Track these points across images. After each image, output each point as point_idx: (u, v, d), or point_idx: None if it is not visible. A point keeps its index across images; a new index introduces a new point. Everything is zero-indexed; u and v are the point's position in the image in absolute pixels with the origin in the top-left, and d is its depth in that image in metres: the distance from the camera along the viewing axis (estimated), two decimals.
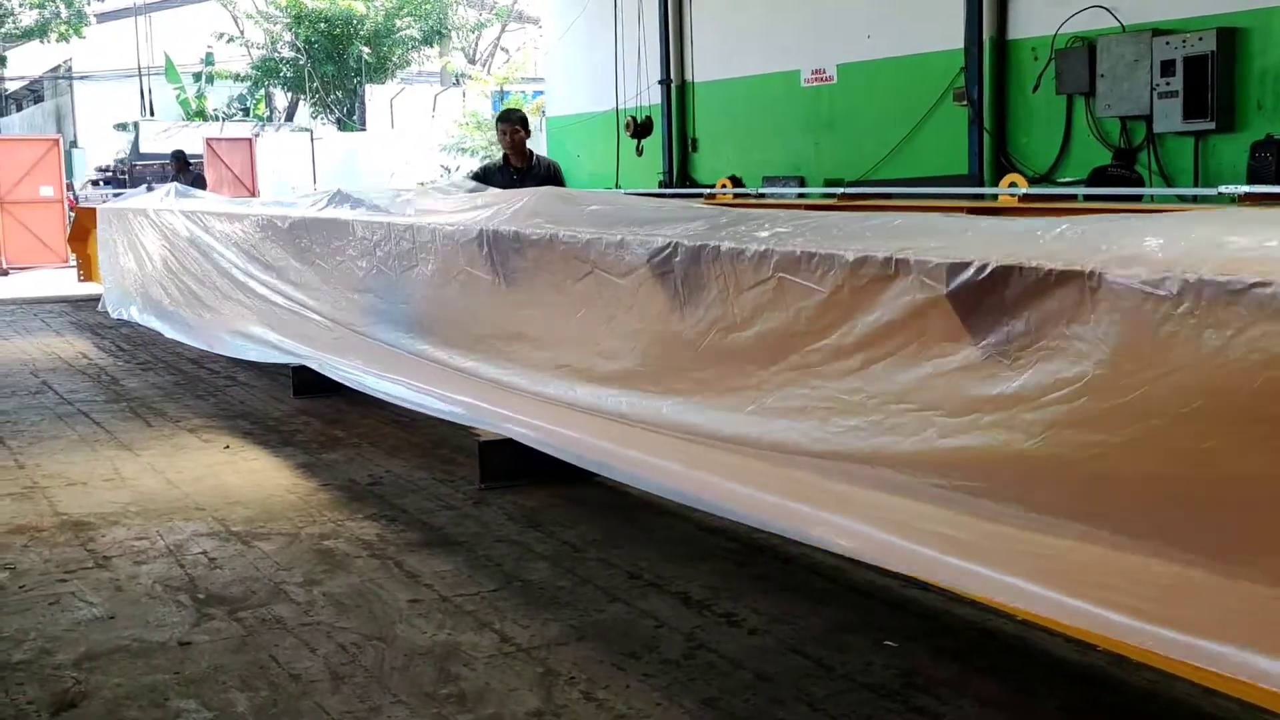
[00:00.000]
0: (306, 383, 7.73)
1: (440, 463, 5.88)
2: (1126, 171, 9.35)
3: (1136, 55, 10.10)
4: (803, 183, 13.98)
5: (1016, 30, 11.62)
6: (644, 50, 16.26)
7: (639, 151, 15.91)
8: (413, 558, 4.41)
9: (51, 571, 4.36)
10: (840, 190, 9.36)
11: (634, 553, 4.38)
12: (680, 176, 16.60)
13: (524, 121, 8.04)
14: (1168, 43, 9.87)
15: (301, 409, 7.35)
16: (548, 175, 7.79)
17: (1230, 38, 9.59)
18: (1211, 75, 9.57)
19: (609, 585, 4.06)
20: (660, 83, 16.74)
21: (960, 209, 6.71)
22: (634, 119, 15.84)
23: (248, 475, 5.75)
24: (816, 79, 14.35)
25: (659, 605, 3.86)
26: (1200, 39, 9.63)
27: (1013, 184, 7.97)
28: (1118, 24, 10.37)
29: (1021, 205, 7.38)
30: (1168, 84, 9.86)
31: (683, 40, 16.66)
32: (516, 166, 7.84)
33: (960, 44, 12.02)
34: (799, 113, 14.61)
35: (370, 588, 4.09)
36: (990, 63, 11.76)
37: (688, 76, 16.68)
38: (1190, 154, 9.99)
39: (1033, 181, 11.41)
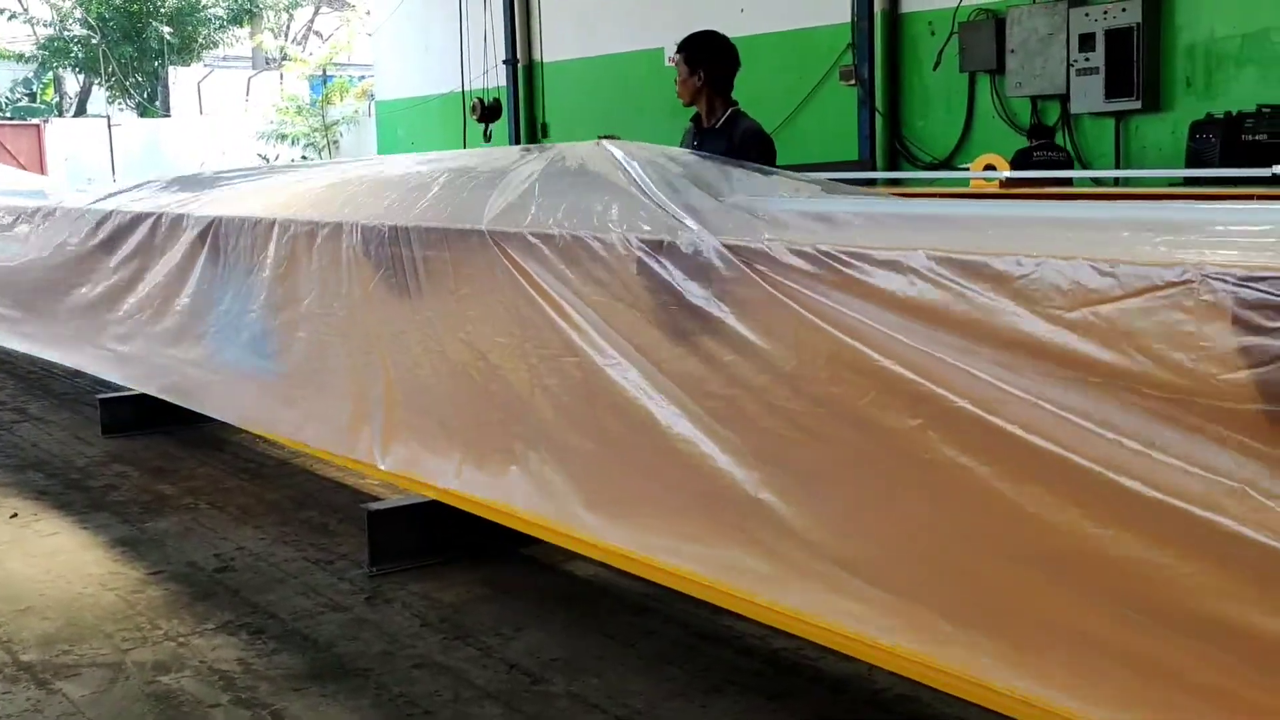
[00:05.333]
0: (120, 418, 6.20)
1: (310, 532, 4.49)
2: (1054, 154, 8.48)
3: (1051, 28, 9.27)
4: None
5: (911, 2, 10.70)
6: (490, 27, 14.86)
7: (487, 137, 14.52)
8: (298, 703, 3.06)
9: None
10: None
11: (617, 680, 3.12)
12: None
13: (704, 53, 4.99)
14: (1087, 14, 9.06)
15: (114, 453, 5.82)
16: (740, 147, 4.76)
17: (1156, 8, 8.83)
18: (1137, 50, 8.80)
19: None
20: (506, 63, 15.36)
21: (937, 196, 5.69)
22: (481, 101, 14.43)
23: (45, 560, 4.26)
24: None
25: None
26: (1124, 9, 8.83)
27: (989, 166, 6.97)
28: None
29: (1003, 191, 6.39)
30: (1087, 59, 9.05)
31: (530, 16, 15.32)
32: (702, 126, 5.02)
33: (847, 17, 11.05)
34: (664, 94, 13.43)
35: None
36: (882, 38, 10.80)
37: (536, 56, 15.35)
38: (1110, 136, 9.21)
39: (930, 168, 10.54)
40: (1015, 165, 7.49)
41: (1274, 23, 8.36)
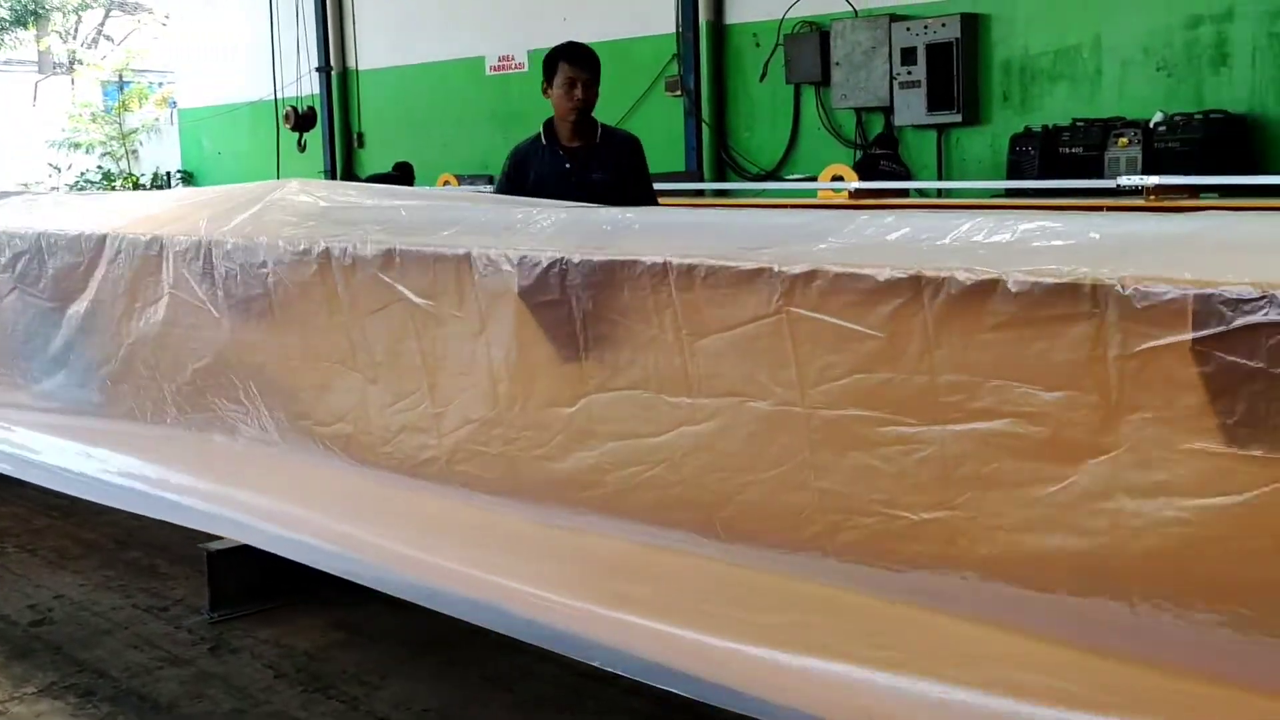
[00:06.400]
0: None
1: (138, 575, 4.12)
2: (896, 166, 8.60)
3: (874, 42, 9.41)
4: (492, 181, 12.60)
5: (735, 14, 10.74)
6: (302, 33, 14.32)
7: (301, 146, 13.98)
8: None
9: None
10: None
11: None
12: (345, 174, 14.80)
13: (598, 70, 4.62)
14: (908, 28, 9.23)
15: None
16: (627, 162, 4.64)
17: (974, 24, 9.06)
18: (956, 64, 9.00)
19: None
20: (318, 70, 14.85)
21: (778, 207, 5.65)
22: (295, 109, 13.88)
23: None
24: (504, 66, 13.02)
25: None
26: (943, 25, 9.04)
27: (837, 177, 6.94)
28: (850, 8, 9.66)
29: (853, 202, 6.39)
30: (909, 73, 9.22)
31: (343, 22, 14.86)
32: (570, 147, 4.58)
33: (672, 28, 11.03)
34: (485, 104, 13.22)
35: None
36: (708, 49, 10.82)
37: (350, 64, 14.89)
38: (933, 148, 9.41)
39: (757, 179, 10.60)
40: (864, 174, 7.53)
41: (1084, 39, 8.67)
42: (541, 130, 4.65)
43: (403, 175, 11.45)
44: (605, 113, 12.46)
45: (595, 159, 4.58)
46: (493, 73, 13.16)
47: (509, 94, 12.98)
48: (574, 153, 4.60)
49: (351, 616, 3.61)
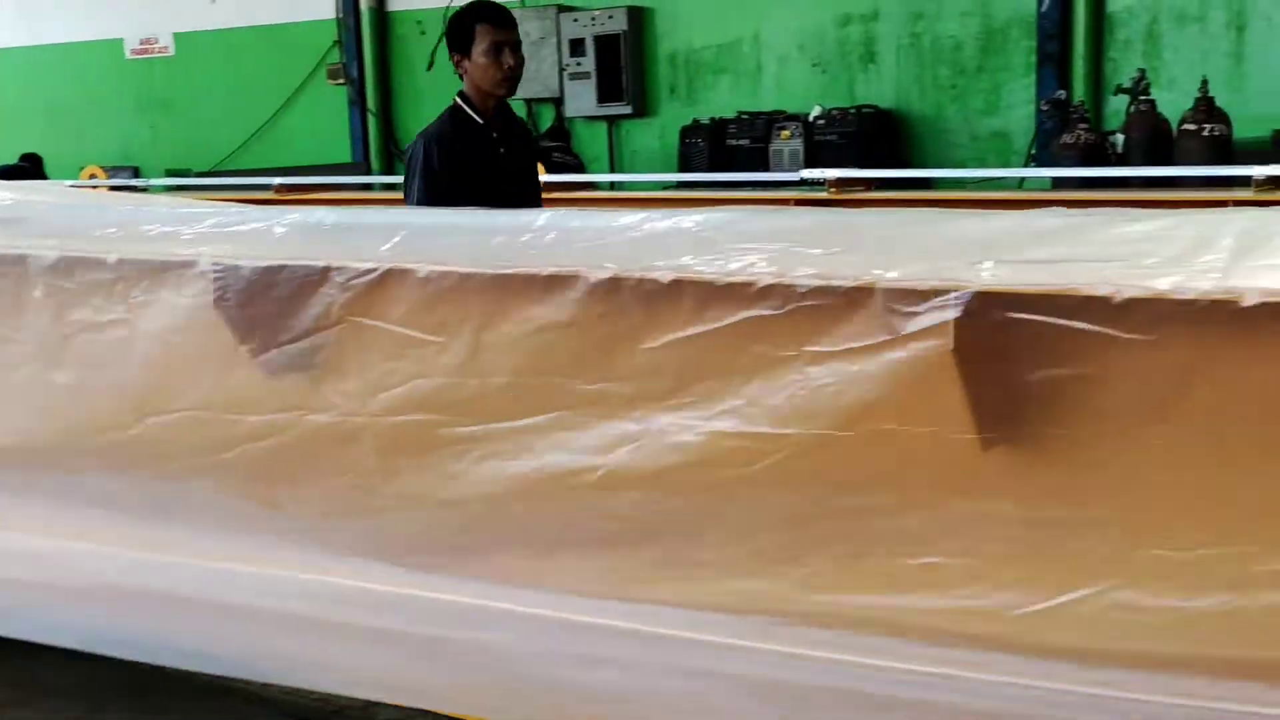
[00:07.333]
0: None
1: None
2: (568, 158, 8.60)
3: (543, 32, 9.37)
4: (137, 173, 11.74)
5: (398, 0, 10.45)
6: None
7: None
8: None
9: None
10: (277, 182, 7.37)
11: None
12: None
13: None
14: (575, 19, 9.26)
15: None
16: (532, 149, 4.30)
17: (639, 17, 9.19)
18: (624, 56, 9.11)
19: None
20: None
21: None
22: None
23: None
24: (146, 50, 12.13)
25: None
26: (610, 17, 9.12)
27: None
28: None
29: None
30: (579, 64, 9.25)
31: None
32: (497, 127, 3.86)
33: (332, 13, 10.61)
34: (126, 90, 12.28)
35: None
36: (371, 36, 10.46)
37: None
38: (604, 140, 9.50)
39: None
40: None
41: (744, 35, 8.98)
42: (464, 108, 3.81)
43: (32, 168, 10.45)
44: (263, 102, 11.93)
45: (516, 142, 3.94)
46: (134, 56, 12.23)
47: (153, 80, 12.10)
48: (503, 134, 3.87)
49: (23, 672, 3.20)
